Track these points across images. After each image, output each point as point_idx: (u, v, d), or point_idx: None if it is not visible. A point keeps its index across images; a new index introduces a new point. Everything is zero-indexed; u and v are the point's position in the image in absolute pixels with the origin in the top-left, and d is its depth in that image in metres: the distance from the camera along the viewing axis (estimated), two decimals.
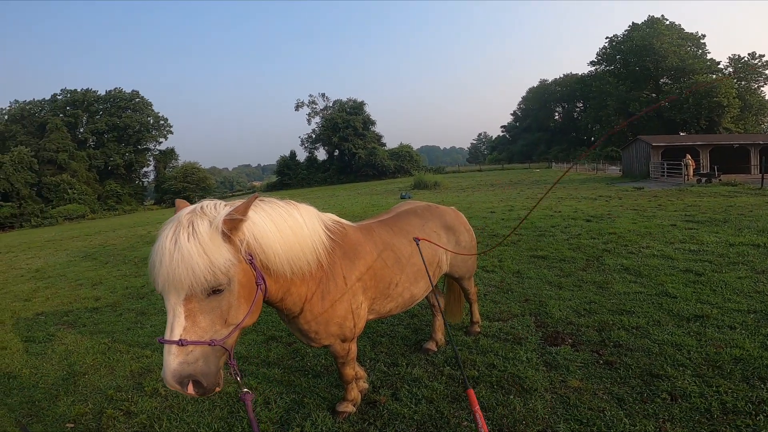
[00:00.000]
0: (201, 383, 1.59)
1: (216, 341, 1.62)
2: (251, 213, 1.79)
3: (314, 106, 66.89)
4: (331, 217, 2.53)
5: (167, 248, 1.56)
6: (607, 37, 56.00)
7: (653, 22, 50.51)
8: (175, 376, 1.54)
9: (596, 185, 21.69)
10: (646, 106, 48.74)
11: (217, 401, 3.15)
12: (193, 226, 1.59)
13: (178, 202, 1.85)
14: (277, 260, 1.89)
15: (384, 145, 64.72)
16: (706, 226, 8.10)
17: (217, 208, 1.71)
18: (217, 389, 1.66)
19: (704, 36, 50.87)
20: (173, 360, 1.54)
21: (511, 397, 2.87)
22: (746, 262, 5.41)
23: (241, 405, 3.04)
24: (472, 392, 1.70)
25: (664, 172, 23.19)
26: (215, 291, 1.61)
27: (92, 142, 56.62)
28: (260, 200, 1.96)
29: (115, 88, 59.05)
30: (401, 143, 64.87)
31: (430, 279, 2.84)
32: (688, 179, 20.12)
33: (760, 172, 16.30)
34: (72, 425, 3.04)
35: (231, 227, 1.66)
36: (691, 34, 50.80)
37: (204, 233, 1.58)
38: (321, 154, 67.30)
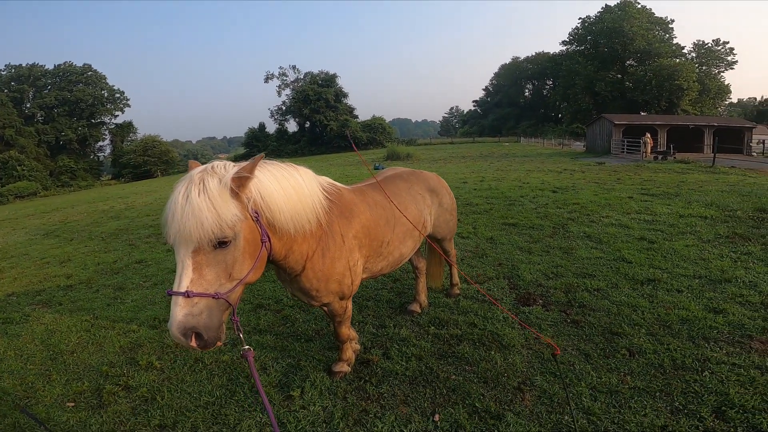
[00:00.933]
0: (202, 336, 1.67)
1: (220, 294, 1.71)
2: (257, 172, 1.90)
3: (284, 78, 64.52)
4: (327, 179, 2.63)
5: (179, 203, 1.66)
6: (580, 18, 56.76)
7: (625, 5, 51.32)
8: (179, 327, 1.63)
9: (562, 159, 22.59)
10: (611, 86, 50.29)
11: (215, 370, 3.25)
12: (204, 183, 1.69)
13: (191, 162, 1.94)
14: (281, 218, 2.00)
15: (357, 117, 63.79)
16: (659, 198, 8.79)
17: (226, 168, 1.81)
18: (219, 343, 1.74)
19: (673, 21, 52.35)
20: (179, 312, 1.63)
21: (492, 352, 3.18)
22: (694, 232, 5.99)
23: (240, 372, 3.18)
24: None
25: (624, 148, 24.46)
26: (221, 244, 1.70)
27: (41, 117, 53.24)
28: (265, 162, 2.06)
29: (65, 62, 55.54)
30: (374, 115, 63.99)
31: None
32: (645, 156, 21.26)
33: (713, 152, 17.49)
34: (73, 404, 3.05)
35: (239, 184, 1.76)
36: (661, 18, 51.97)
37: (213, 189, 1.68)
38: (291, 126, 65.63)
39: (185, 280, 1.66)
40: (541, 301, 4.06)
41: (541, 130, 56.48)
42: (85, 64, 56.58)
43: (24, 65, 53.49)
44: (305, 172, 2.32)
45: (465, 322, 3.68)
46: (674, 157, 20.23)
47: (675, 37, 52.70)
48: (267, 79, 64.76)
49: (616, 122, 27.56)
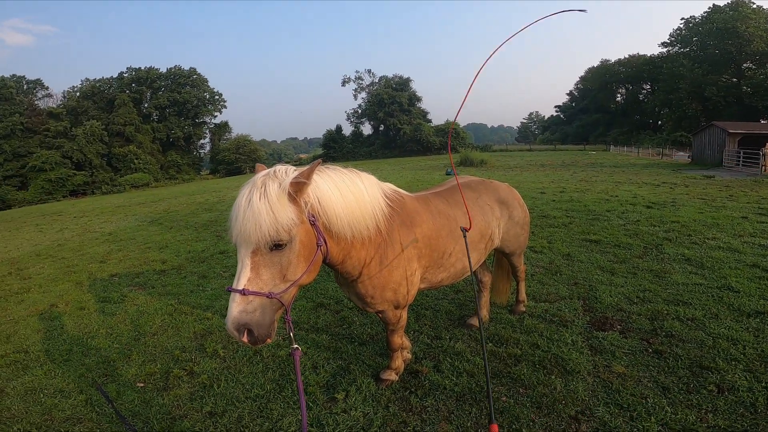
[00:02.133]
0: (253, 332, 1.76)
1: (274, 294, 1.78)
2: (317, 178, 1.97)
3: (360, 82, 66.68)
4: (390, 186, 2.62)
5: (242, 206, 1.76)
6: (682, 18, 50.95)
7: (738, 5, 45.25)
8: (234, 323, 1.72)
9: (660, 171, 20.17)
10: (724, 91, 44.37)
11: (270, 364, 3.37)
12: (265, 187, 1.78)
13: (258, 166, 2.06)
14: (338, 222, 2.03)
15: (430, 121, 63.68)
16: None
17: (287, 173, 1.89)
18: (269, 340, 1.81)
19: None
20: (235, 308, 1.72)
21: (552, 377, 2.90)
22: None
23: (291, 368, 3.25)
24: (496, 428, 1.56)
25: (739, 161, 21.06)
26: (277, 246, 1.78)
27: (155, 116, 60.39)
28: (326, 167, 2.12)
29: (175, 66, 62.02)
30: (447, 120, 63.46)
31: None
32: (766, 170, 18.17)
33: None
34: (142, 384, 3.25)
35: (296, 190, 1.83)
36: None
37: (273, 194, 1.76)
38: (366, 129, 67.54)
39: (243, 279, 1.75)
40: (619, 326, 3.60)
41: (635, 139, 51.18)
42: (191, 68, 62.72)
43: (142, 68, 60.56)
44: (367, 178, 2.32)
45: (527, 342, 3.40)
46: None
47: None
48: (344, 83, 67.27)
49: (731, 131, 23.90)
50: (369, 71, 66.93)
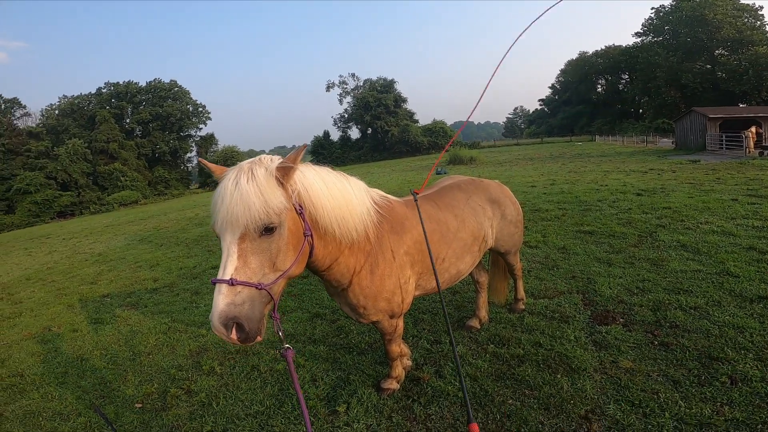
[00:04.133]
0: (243, 327, 1.63)
1: (263, 285, 1.68)
2: (304, 169, 1.93)
3: (345, 86, 66.88)
4: (378, 192, 2.55)
5: (228, 189, 1.67)
6: (652, 8, 52.34)
7: None
8: (221, 317, 1.58)
9: (646, 158, 20.37)
10: (700, 78, 45.34)
11: (269, 378, 3.30)
12: (252, 171, 1.71)
13: (212, 166, 1.95)
14: (325, 215, 1.96)
15: (417, 122, 63.95)
16: None
17: (273, 160, 1.83)
18: (259, 338, 1.69)
19: (761, 7, 46.56)
20: (222, 300, 1.59)
21: (558, 376, 2.83)
22: None
23: (291, 382, 3.16)
24: (476, 427, 1.57)
25: (722, 144, 21.43)
26: (267, 230, 1.69)
27: (139, 131, 59.65)
28: (313, 164, 2.07)
29: (154, 79, 61.47)
30: (434, 119, 63.78)
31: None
32: (749, 152, 18.47)
33: None
34: (140, 405, 3.19)
35: (283, 174, 1.77)
36: (747, 5, 46.52)
37: (261, 176, 1.69)
38: (354, 133, 67.62)
39: (230, 267, 1.63)
40: (622, 319, 3.55)
41: (619, 128, 51.87)
42: (171, 81, 61.92)
43: (121, 83, 59.69)
44: (355, 182, 2.26)
45: (529, 341, 3.33)
46: None
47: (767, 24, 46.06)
48: (328, 88, 67.49)
49: (711, 116, 24.31)
50: (353, 75, 67.22)
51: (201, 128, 64.83)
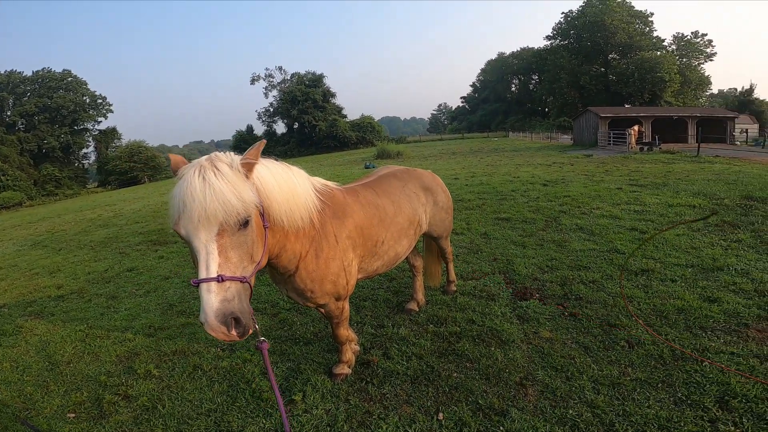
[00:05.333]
0: (240, 321, 1.64)
1: (246, 278, 1.71)
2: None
3: (271, 80, 64.60)
4: (319, 180, 2.63)
5: (197, 186, 1.63)
6: (562, 13, 57.33)
7: None
8: (218, 315, 1.56)
9: (550, 153, 22.79)
10: (595, 80, 51.02)
11: (215, 376, 3.21)
12: (216, 167, 1.70)
13: (173, 156, 1.87)
14: (276, 208, 2.01)
15: (345, 117, 63.90)
16: (648, 189, 8.91)
17: (230, 155, 1.84)
18: (251, 331, 1.70)
19: (652, 14, 53.26)
20: (214, 298, 1.57)
21: (492, 348, 3.19)
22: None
23: (241, 377, 3.14)
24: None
25: (610, 140, 24.77)
26: (243, 225, 1.71)
27: (21, 125, 52.11)
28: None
29: (43, 68, 54.50)
30: (362, 114, 64.37)
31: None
32: (631, 147, 21.57)
33: (696, 142, 17.90)
34: (74, 414, 3.01)
35: (248, 169, 1.81)
36: (641, 11, 52.84)
37: (228, 172, 1.70)
38: (280, 128, 65.53)
39: (213, 265, 1.61)
40: (537, 295, 4.08)
41: (529, 125, 57.01)
42: (64, 70, 55.52)
43: (2, 72, 52.44)
44: (298, 172, 2.33)
45: (464, 319, 3.68)
46: (660, 148, 20.52)
47: (655, 30, 53.74)
48: (253, 81, 64.64)
49: (602, 115, 27.90)
50: (280, 68, 65.09)
51: (100, 121, 58.27)
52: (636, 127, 23.11)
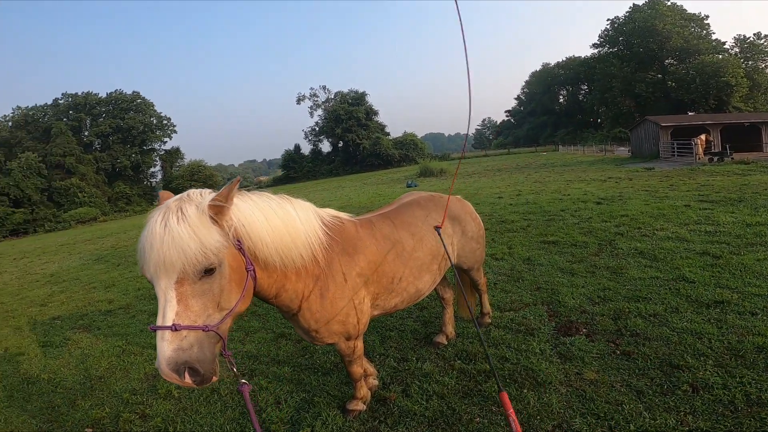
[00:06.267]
0: (198, 370, 1.58)
1: (210, 327, 1.62)
2: (238, 201, 1.84)
3: (316, 99, 67.16)
4: (328, 212, 2.48)
5: (157, 232, 1.57)
6: (608, 19, 55.29)
7: (654, 3, 49.94)
8: (170, 363, 1.53)
9: (605, 167, 21.34)
10: (652, 87, 48.21)
11: (229, 402, 3.17)
12: (181, 210, 1.61)
13: (162, 193, 1.85)
14: (265, 249, 1.89)
15: (388, 134, 64.79)
16: (721, 205, 7.90)
17: (202, 195, 1.73)
18: (214, 378, 1.65)
19: (707, 17, 50.29)
20: (167, 347, 1.53)
21: (525, 391, 2.81)
22: (765, 243, 5.24)
23: (254, 405, 3.03)
24: (505, 395, 1.76)
25: (674, 151, 22.79)
26: (207, 272, 1.62)
27: (98, 144, 57.46)
28: (251, 191, 2.00)
29: (115, 90, 59.53)
30: (405, 132, 64.96)
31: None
32: (699, 158, 19.72)
33: None
34: (90, 430, 3.09)
35: (216, 212, 1.68)
36: (694, 14, 50.25)
37: (192, 215, 1.60)
38: (325, 147, 67.71)
39: (170, 313, 1.56)
40: (585, 330, 3.60)
41: (580, 137, 54.39)
42: (134, 92, 60.13)
43: (80, 94, 57.35)
44: (301, 205, 2.19)
45: (495, 356, 3.31)
46: (732, 158, 18.55)
47: (713, 33, 50.36)
48: (299, 101, 67.50)
49: (663, 124, 25.87)
50: (324, 87, 67.55)
51: (166, 141, 63.21)
52: (703, 136, 21.21)
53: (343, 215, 2.57)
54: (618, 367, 2.95)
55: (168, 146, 63.65)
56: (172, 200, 1.69)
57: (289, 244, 1.99)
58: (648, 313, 3.73)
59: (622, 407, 2.53)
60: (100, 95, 58.74)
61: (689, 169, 16.12)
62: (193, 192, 1.75)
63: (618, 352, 3.15)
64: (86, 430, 3.10)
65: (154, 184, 64.67)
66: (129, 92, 59.85)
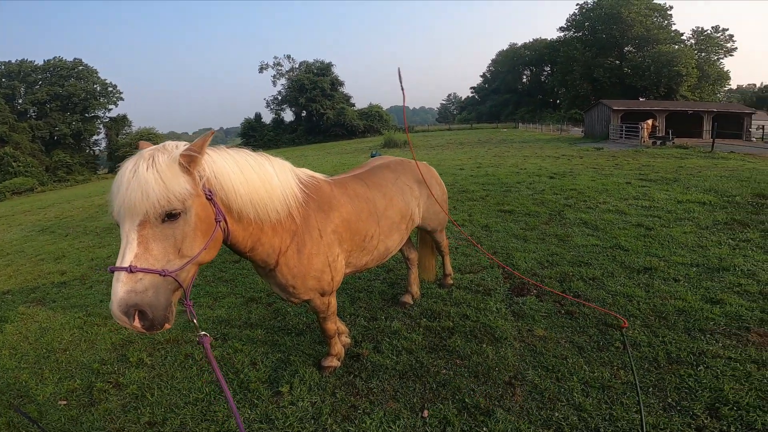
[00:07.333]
0: (147, 314, 1.59)
1: (168, 271, 1.64)
2: (213, 154, 1.88)
3: (279, 68, 64.61)
4: (305, 171, 2.55)
5: (126, 176, 1.62)
6: (577, 4, 56.08)
7: None
8: (120, 305, 1.54)
9: (560, 145, 22.42)
10: (609, 73, 50.09)
11: (206, 366, 3.22)
12: (153, 158, 1.65)
13: (142, 143, 1.85)
14: (239, 199, 1.93)
15: (353, 105, 63.71)
16: (657, 184, 8.70)
17: (178, 146, 1.76)
18: (167, 325, 1.67)
19: (671, 7, 51.96)
20: (120, 288, 1.55)
21: (484, 345, 3.13)
22: (692, 219, 5.90)
23: (230, 367, 3.14)
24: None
25: (622, 134, 24.29)
26: (170, 216, 1.65)
27: (33, 112, 53.21)
28: (229, 147, 2.03)
29: (54, 57, 55.24)
30: (371, 103, 64.13)
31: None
32: (644, 141, 21.14)
33: (711, 137, 17.43)
34: (65, 402, 3.04)
35: (188, 161, 1.72)
36: (659, 5, 51.64)
37: (162, 163, 1.64)
38: (288, 116, 65.72)
39: (129, 255, 1.59)
40: (535, 291, 4.00)
41: (539, 116, 56.29)
42: (75, 59, 56.10)
43: (13, 62, 53.16)
44: (278, 163, 2.26)
45: (457, 314, 3.62)
46: (673, 143, 20.10)
47: (674, 24, 52.45)
48: (262, 69, 64.74)
49: (615, 108, 27.38)
50: (288, 57, 64.90)
51: (111, 109, 59.00)
52: (650, 121, 22.70)
53: (318, 175, 2.66)
54: (563, 325, 3.33)
55: (114, 113, 59.48)
56: (147, 149, 1.72)
57: (264, 197, 2.04)
58: (588, 276, 4.19)
59: (567, 361, 2.86)
60: (36, 62, 54.28)
61: (634, 150, 17.34)
62: (170, 143, 1.77)
63: (562, 312, 3.55)
64: (60, 402, 3.02)
65: (97, 152, 60.35)
66: (70, 59, 55.45)
